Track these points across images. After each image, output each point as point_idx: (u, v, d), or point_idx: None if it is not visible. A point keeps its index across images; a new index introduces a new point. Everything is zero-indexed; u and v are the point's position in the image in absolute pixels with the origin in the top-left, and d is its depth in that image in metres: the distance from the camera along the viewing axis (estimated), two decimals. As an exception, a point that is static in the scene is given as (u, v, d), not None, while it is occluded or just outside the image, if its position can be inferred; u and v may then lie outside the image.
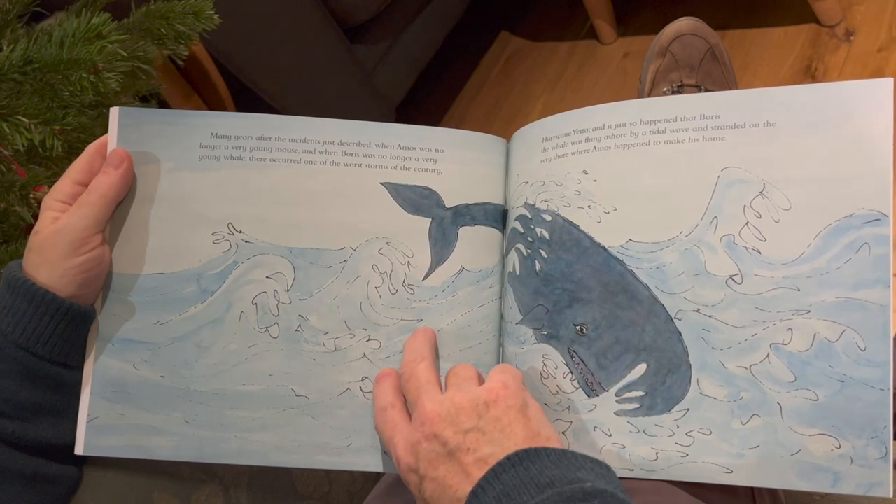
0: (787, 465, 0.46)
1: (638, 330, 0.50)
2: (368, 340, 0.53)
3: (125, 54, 0.76)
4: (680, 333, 0.49)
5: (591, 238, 0.52)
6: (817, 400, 0.46)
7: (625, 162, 0.51)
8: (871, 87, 0.47)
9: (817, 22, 1.34)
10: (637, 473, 0.48)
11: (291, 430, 0.53)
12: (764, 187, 0.48)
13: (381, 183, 0.54)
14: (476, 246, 0.55)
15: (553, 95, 1.59)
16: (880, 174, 0.46)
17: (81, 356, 0.53)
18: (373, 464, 0.53)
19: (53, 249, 0.50)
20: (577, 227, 0.52)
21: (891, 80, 0.46)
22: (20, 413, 0.51)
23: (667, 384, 0.49)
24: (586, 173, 0.52)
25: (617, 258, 0.51)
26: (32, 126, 0.74)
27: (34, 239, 0.51)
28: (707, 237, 0.49)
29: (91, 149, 0.53)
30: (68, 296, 0.51)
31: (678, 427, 0.48)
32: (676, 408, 0.48)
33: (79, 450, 0.53)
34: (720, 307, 0.48)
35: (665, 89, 0.93)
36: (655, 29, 0.93)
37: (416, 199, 0.54)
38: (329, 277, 0.54)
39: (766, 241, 0.48)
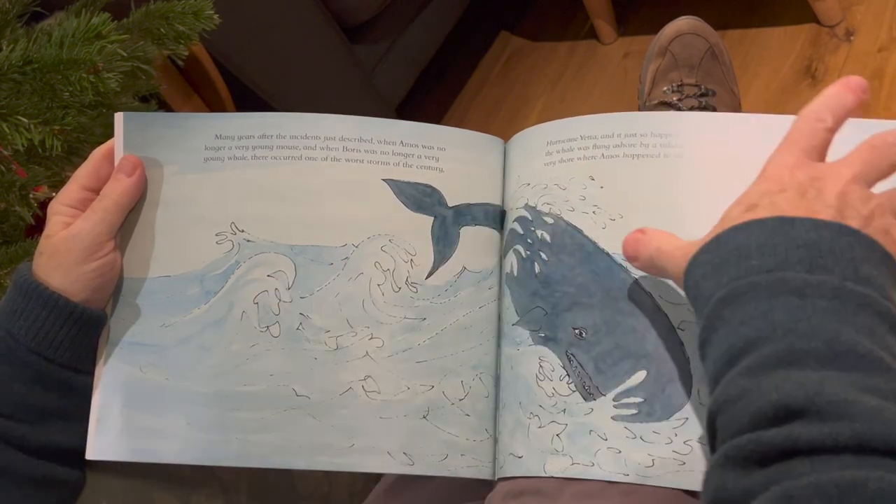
0: None
1: (639, 337, 0.49)
2: (371, 338, 0.53)
3: (125, 54, 0.76)
4: (682, 344, 0.49)
5: (594, 243, 0.51)
6: None
7: (633, 172, 0.51)
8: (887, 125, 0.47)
9: (817, 22, 1.34)
10: (632, 479, 0.48)
11: (292, 431, 0.53)
12: None
13: (383, 180, 0.54)
14: (477, 246, 0.55)
15: (553, 95, 1.59)
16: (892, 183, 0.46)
17: (92, 360, 0.53)
18: (376, 464, 0.53)
19: (68, 254, 0.50)
20: (580, 231, 0.52)
21: None
22: (30, 417, 0.51)
23: (666, 392, 0.48)
24: (593, 179, 0.52)
25: (621, 265, 0.50)
26: (32, 126, 0.74)
27: (46, 243, 0.51)
28: None
29: (97, 154, 0.54)
30: (81, 300, 0.51)
31: (676, 435, 0.48)
32: (676, 416, 0.48)
33: (90, 454, 0.53)
34: None
35: (665, 89, 0.93)
36: (655, 29, 0.93)
37: (418, 197, 0.54)
38: (330, 275, 0.54)
39: None
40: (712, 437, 0.36)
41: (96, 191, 0.53)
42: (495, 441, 0.54)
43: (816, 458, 0.30)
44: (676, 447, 0.48)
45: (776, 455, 0.31)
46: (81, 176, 0.53)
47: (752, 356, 0.35)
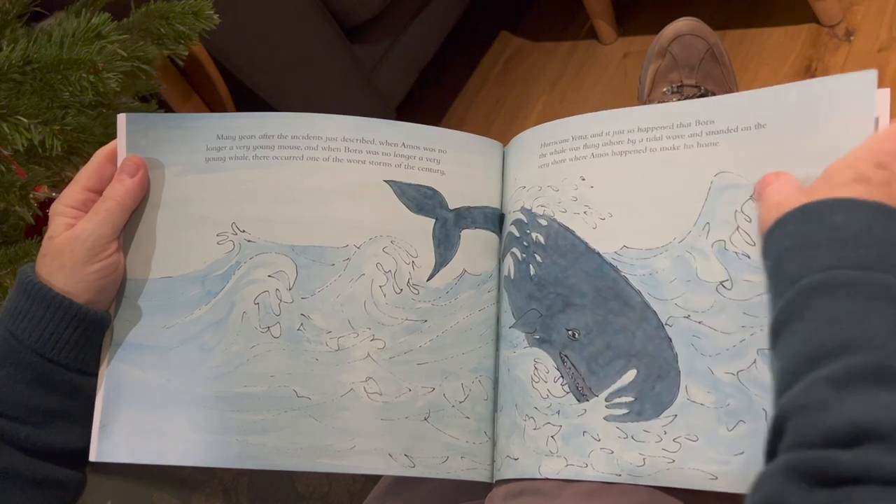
0: None
1: (629, 336, 0.50)
2: (372, 340, 0.53)
3: (125, 54, 0.76)
4: (670, 339, 0.49)
5: (585, 244, 0.52)
6: None
7: (621, 169, 0.51)
8: (854, 80, 0.46)
9: (817, 22, 1.34)
10: (624, 479, 0.48)
11: (293, 432, 0.52)
12: (754, 191, 0.48)
13: (385, 181, 0.54)
14: (477, 249, 0.55)
15: (553, 95, 1.59)
16: None
17: (96, 362, 0.53)
18: (377, 466, 0.53)
19: (71, 255, 0.50)
20: (572, 232, 0.52)
21: (875, 71, 0.45)
22: (33, 418, 0.51)
23: (656, 390, 0.49)
24: (583, 179, 0.52)
25: (611, 264, 0.51)
26: (32, 126, 0.74)
27: (49, 244, 0.51)
28: (699, 243, 0.49)
29: (100, 155, 0.54)
30: (85, 302, 0.51)
31: (666, 433, 0.48)
32: (665, 414, 0.48)
33: (93, 456, 0.53)
34: (710, 313, 0.48)
35: (665, 89, 0.93)
36: (655, 29, 0.94)
37: (420, 199, 0.54)
38: (332, 275, 0.53)
39: (755, 245, 0.47)
40: (777, 435, 0.34)
41: (99, 192, 0.53)
42: (493, 443, 0.54)
43: (888, 489, 0.29)
44: (666, 445, 0.48)
45: (847, 480, 0.30)
46: (84, 177, 0.53)
47: (840, 363, 0.33)
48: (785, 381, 0.36)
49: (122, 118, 0.54)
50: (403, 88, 1.51)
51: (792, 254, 0.37)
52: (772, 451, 0.35)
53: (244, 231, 0.54)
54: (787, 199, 0.41)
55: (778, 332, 0.37)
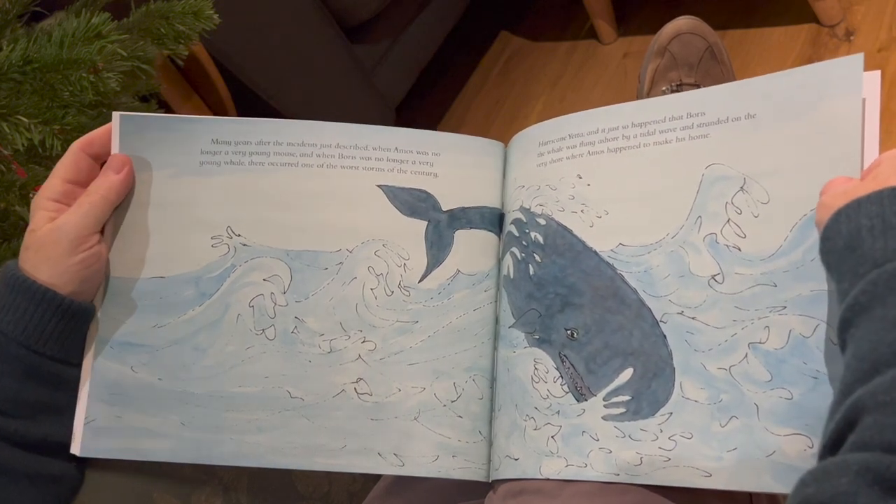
0: (763, 468, 0.45)
1: (626, 334, 0.50)
2: (363, 342, 0.54)
3: (125, 54, 0.76)
4: (665, 337, 0.49)
5: (583, 242, 0.52)
6: (792, 398, 0.45)
7: (617, 166, 0.51)
8: (841, 65, 0.46)
9: (817, 22, 1.34)
10: (622, 478, 0.48)
11: (287, 432, 0.53)
12: (744, 182, 0.47)
13: (377, 185, 0.54)
14: (472, 249, 0.55)
15: (553, 95, 1.59)
16: (849, 157, 0.44)
17: (82, 353, 0.54)
18: (367, 465, 0.53)
19: (55, 247, 0.51)
20: (570, 231, 0.52)
21: (860, 55, 0.45)
22: (23, 412, 0.51)
23: (652, 388, 0.49)
24: (580, 177, 0.52)
25: (607, 262, 0.51)
26: (32, 126, 0.74)
27: (31, 237, 0.51)
28: (691, 237, 0.49)
29: (75, 147, 0.54)
30: (69, 293, 0.51)
31: (662, 431, 0.48)
32: (660, 412, 0.48)
33: (75, 450, 0.53)
34: (702, 308, 0.48)
35: (664, 88, 0.92)
36: (655, 29, 0.93)
37: (412, 202, 0.55)
38: (325, 279, 0.54)
39: (745, 237, 0.47)
40: (848, 425, 0.32)
41: (78, 183, 0.53)
42: (490, 443, 0.54)
43: None
44: (662, 443, 0.48)
45: None
46: (61, 170, 0.53)
47: None
48: (861, 369, 0.33)
49: (116, 117, 0.54)
50: (403, 88, 1.51)
51: (873, 234, 0.35)
52: (838, 440, 0.33)
53: (239, 235, 0.54)
54: (854, 188, 0.39)
55: (855, 313, 0.35)
